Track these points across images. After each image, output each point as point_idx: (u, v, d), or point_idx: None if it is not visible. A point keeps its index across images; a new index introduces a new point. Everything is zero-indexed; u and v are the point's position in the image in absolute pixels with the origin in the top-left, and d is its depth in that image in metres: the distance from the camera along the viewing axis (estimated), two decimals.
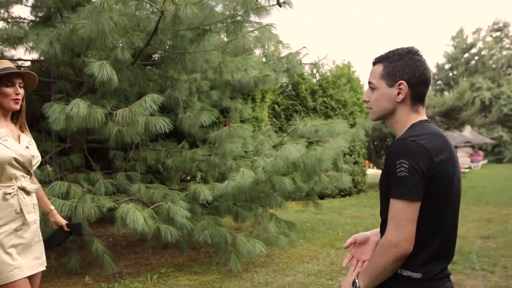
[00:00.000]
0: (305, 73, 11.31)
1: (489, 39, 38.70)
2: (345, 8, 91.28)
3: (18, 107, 2.17)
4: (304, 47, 6.41)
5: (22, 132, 2.24)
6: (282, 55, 6.51)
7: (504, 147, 32.82)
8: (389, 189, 1.35)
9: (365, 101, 1.53)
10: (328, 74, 12.14)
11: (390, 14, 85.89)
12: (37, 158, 2.23)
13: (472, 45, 39.33)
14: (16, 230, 2.06)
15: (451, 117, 14.56)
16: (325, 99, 11.39)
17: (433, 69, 41.66)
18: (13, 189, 2.08)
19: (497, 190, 12.25)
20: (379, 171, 17.40)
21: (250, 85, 5.41)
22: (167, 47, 4.35)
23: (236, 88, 5.64)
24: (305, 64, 7.17)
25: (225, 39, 4.81)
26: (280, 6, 4.10)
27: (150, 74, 5.00)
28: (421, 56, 1.44)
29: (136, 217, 3.37)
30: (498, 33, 38.33)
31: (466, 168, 20.15)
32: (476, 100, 28.48)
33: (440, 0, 78.10)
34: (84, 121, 3.19)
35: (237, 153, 5.07)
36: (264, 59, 6.55)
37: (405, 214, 1.30)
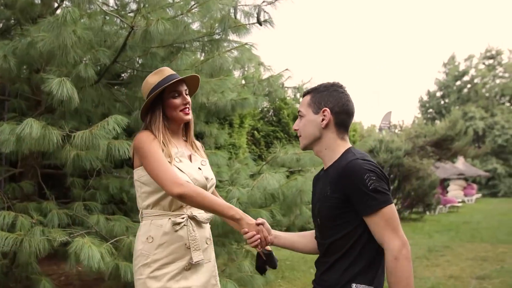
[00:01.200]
0: (288, 98, 11.47)
1: (481, 66, 40.24)
2: (332, 31, 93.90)
3: (190, 117, 2.06)
4: (287, 69, 6.49)
5: (193, 150, 2.12)
6: (263, 77, 6.58)
7: (498, 180, 33.60)
8: (339, 210, 1.55)
9: (295, 129, 1.77)
10: None
11: (379, 39, 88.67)
12: (211, 181, 2.09)
13: (464, 73, 40.77)
14: (185, 269, 1.91)
15: (443, 147, 14.92)
16: None
17: (424, 97, 42.84)
18: (183, 218, 1.94)
19: (492, 226, 12.44)
20: None
21: (227, 109, 5.42)
22: (136, 65, 4.35)
23: (212, 111, 5.64)
24: (288, 87, 7.27)
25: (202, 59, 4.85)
26: (260, 24, 4.18)
27: (117, 94, 4.97)
28: (345, 89, 1.73)
29: (92, 252, 3.26)
30: (490, 61, 39.92)
31: (459, 202, 20.46)
32: (469, 130, 29.27)
33: (431, 26, 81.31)
34: (37, 143, 3.11)
35: None
36: (243, 82, 6.61)
37: (395, 216, 1.52)
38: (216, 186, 5.40)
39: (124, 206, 5.76)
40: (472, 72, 40.64)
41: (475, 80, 40.17)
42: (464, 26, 79.02)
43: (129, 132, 5.01)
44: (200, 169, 2.03)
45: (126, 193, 5.27)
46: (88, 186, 5.13)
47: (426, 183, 13.61)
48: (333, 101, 1.67)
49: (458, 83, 41.10)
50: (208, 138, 6.40)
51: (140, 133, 2.00)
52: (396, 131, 29.61)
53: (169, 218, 1.93)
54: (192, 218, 1.96)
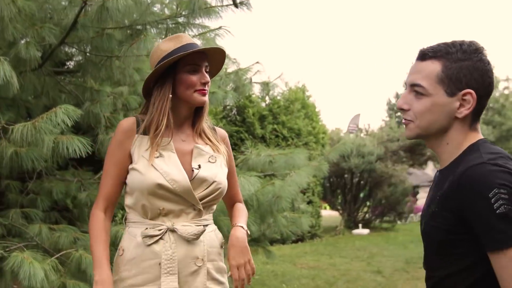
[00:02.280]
0: (253, 95, 11.31)
1: None
2: (302, 23, 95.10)
3: (206, 99, 1.77)
4: (258, 62, 6.33)
5: (204, 141, 1.84)
6: (230, 70, 6.40)
7: None
8: (453, 242, 1.17)
9: (401, 109, 1.33)
10: (280, 97, 12.25)
11: (350, 35, 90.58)
12: (214, 185, 1.75)
13: None
14: None
15: (416, 152, 15.24)
16: (275, 126, 11.43)
17: (392, 99, 43.95)
18: (160, 230, 1.67)
19: None
20: (334, 213, 17.70)
21: None
22: (87, 48, 4.04)
23: None
24: (256, 83, 7.12)
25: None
26: (236, 6, 3.98)
27: (63, 83, 4.63)
28: (487, 57, 1.27)
29: (34, 270, 2.95)
30: None
31: None
32: None
33: (400, 24, 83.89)
34: None
35: None
36: None
37: None
38: None
39: (69, 214, 5.43)
40: None
41: None
42: (434, 24, 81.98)
43: (77, 129, 4.70)
44: (200, 167, 1.75)
45: (73, 198, 4.95)
46: (27, 190, 4.78)
47: (399, 190, 13.82)
48: (480, 79, 1.24)
49: None
50: None
51: (126, 119, 1.78)
52: (362, 135, 30.24)
53: (146, 228, 1.67)
54: (173, 231, 1.68)
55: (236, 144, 10.67)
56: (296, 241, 11.37)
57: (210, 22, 4.43)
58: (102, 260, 1.63)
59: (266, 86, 8.22)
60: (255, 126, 11.11)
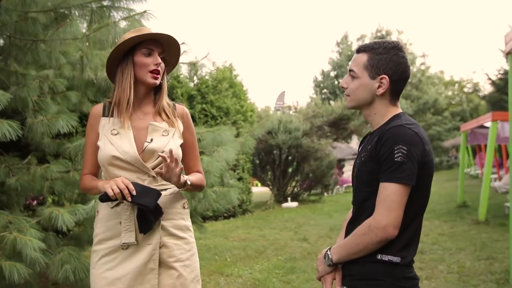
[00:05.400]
0: (181, 76, 11.38)
1: None
2: (226, 4, 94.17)
3: (157, 82, 2.05)
4: (183, 43, 6.44)
5: (162, 118, 2.09)
6: None
7: None
8: (375, 176, 1.62)
9: (342, 87, 1.81)
10: (208, 77, 12.39)
11: (275, 15, 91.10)
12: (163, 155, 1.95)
13: None
14: (122, 248, 1.95)
15: (340, 127, 16.02)
16: (204, 106, 11.60)
17: (318, 77, 45.22)
18: None
19: None
20: (265, 189, 18.24)
21: None
22: (7, 33, 4.03)
23: (102, 89, 5.43)
24: (183, 63, 7.22)
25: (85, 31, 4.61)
26: None
27: None
28: (405, 53, 1.75)
29: None
30: None
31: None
32: None
33: (325, 3, 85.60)
34: None
35: None
36: None
37: (398, 197, 1.57)
38: None
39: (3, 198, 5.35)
40: None
41: None
42: (357, 5, 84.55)
43: (2, 113, 4.64)
44: (151, 141, 2.01)
45: (1, 184, 4.89)
46: None
47: (324, 163, 14.52)
48: (393, 67, 1.69)
49: None
50: None
51: (96, 105, 2.10)
52: (291, 112, 31.00)
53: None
54: None
55: None
56: (228, 217, 11.74)
57: (135, 5, 4.54)
58: (100, 182, 1.97)
59: (193, 66, 8.34)
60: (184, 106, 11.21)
